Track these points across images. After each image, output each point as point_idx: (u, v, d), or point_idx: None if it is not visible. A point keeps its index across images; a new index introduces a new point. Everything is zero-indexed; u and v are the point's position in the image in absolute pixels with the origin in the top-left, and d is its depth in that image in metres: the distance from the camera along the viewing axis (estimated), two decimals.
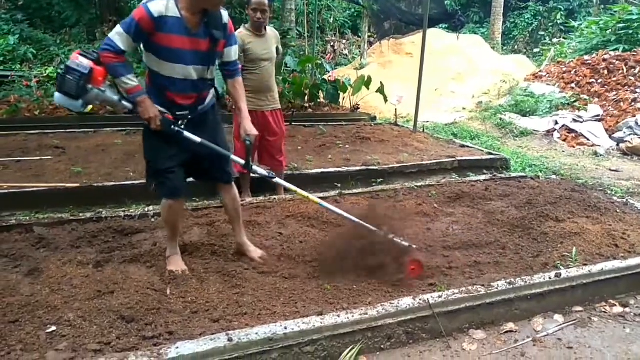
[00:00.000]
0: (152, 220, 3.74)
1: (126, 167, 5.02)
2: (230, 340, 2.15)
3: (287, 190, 4.57)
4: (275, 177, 3.06)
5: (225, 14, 2.75)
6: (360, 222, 3.00)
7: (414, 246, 3.07)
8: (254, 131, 2.91)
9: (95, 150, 5.71)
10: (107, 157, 5.38)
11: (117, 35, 2.51)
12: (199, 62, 2.69)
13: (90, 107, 2.79)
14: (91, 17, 15.65)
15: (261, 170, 3.02)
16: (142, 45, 2.64)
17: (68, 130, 6.69)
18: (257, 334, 2.21)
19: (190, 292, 2.69)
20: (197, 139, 2.75)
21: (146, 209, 3.90)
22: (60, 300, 2.54)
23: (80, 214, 3.78)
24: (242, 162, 2.86)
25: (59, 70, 2.68)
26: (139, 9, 2.51)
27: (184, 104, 2.76)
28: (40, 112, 7.52)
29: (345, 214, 3.06)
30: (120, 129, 6.91)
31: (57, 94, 2.61)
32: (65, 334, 2.27)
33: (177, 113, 2.75)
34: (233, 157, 2.90)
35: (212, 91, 2.93)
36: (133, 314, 2.43)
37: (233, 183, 3.10)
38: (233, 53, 2.86)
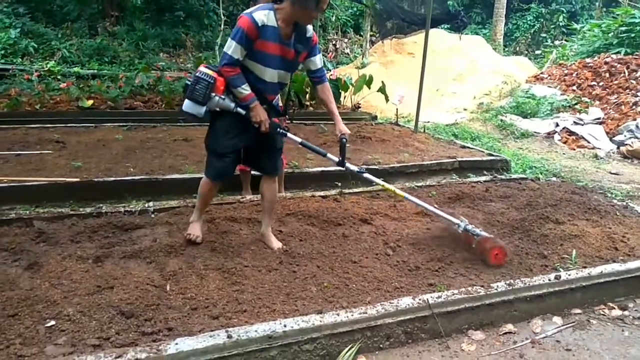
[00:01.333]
0: (152, 216, 3.74)
1: (126, 162, 5.01)
2: (229, 337, 2.15)
3: (287, 188, 4.60)
4: (365, 172, 3.38)
5: (310, 29, 3.06)
6: (444, 214, 3.39)
7: (492, 235, 3.28)
8: (347, 130, 3.20)
9: (95, 145, 5.70)
10: (107, 152, 5.37)
11: (232, 48, 2.85)
12: (284, 67, 3.04)
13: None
14: (93, 12, 15.65)
15: (353, 167, 3.34)
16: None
17: (68, 125, 6.68)
18: (256, 331, 2.21)
19: (189, 288, 2.69)
20: (299, 139, 3.19)
21: (146, 205, 3.90)
22: (60, 294, 2.54)
23: (80, 209, 3.78)
24: (337, 159, 3.20)
25: (186, 81, 3.02)
26: (245, 19, 2.82)
27: (264, 102, 3.05)
28: (40, 106, 7.50)
29: (429, 207, 3.44)
30: (121, 124, 6.90)
31: (186, 101, 2.96)
32: (64, 328, 2.27)
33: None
34: (329, 155, 3.23)
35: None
36: (132, 310, 2.43)
37: (276, 177, 3.40)
38: (318, 61, 3.17)
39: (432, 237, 3.56)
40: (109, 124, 6.87)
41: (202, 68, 2.97)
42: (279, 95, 3.26)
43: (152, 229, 3.51)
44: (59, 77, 9.34)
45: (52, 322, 2.31)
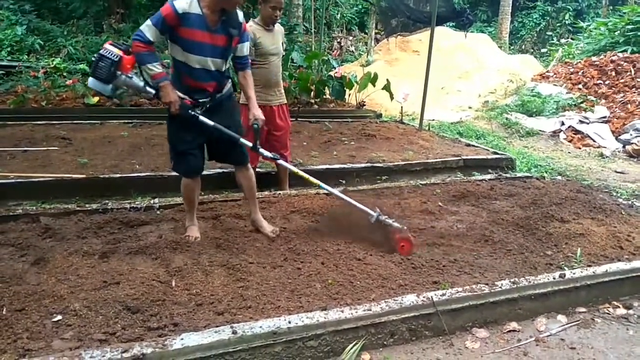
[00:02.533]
0: (158, 212, 3.76)
1: (132, 159, 5.03)
2: (234, 332, 2.17)
3: (291, 185, 4.62)
4: (279, 159, 3.41)
5: (240, 14, 3.06)
6: (357, 203, 3.35)
7: (405, 227, 3.27)
8: (261, 116, 3.24)
9: (101, 141, 5.73)
10: (113, 149, 5.40)
11: (147, 28, 2.84)
12: (216, 55, 3.01)
13: (118, 92, 3.14)
14: (98, 9, 15.67)
15: (267, 153, 3.33)
16: (167, 38, 2.95)
17: (74, 122, 6.71)
18: (261, 327, 2.22)
19: (195, 284, 2.70)
20: (210, 123, 3.06)
21: (152, 201, 3.92)
22: (66, 289, 2.56)
23: (87, 205, 3.80)
24: (250, 144, 3.19)
25: (92, 58, 3.02)
26: (166, 5, 2.83)
27: (203, 91, 3.08)
28: (47, 103, 7.53)
29: (342, 195, 3.41)
30: (126, 121, 6.93)
31: (90, 79, 2.96)
32: (70, 323, 2.29)
33: (198, 100, 3.07)
34: (242, 140, 3.18)
35: (229, 82, 3.27)
36: (138, 305, 2.45)
37: (249, 164, 3.41)
38: (245, 49, 3.19)
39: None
40: (114, 121, 6.90)
41: (107, 45, 2.93)
42: (228, 84, 3.24)
43: (157, 225, 3.53)
44: (64, 74, 9.35)
45: (59, 317, 2.33)
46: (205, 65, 3.00)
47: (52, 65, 9.95)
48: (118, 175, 4.43)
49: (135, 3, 15.69)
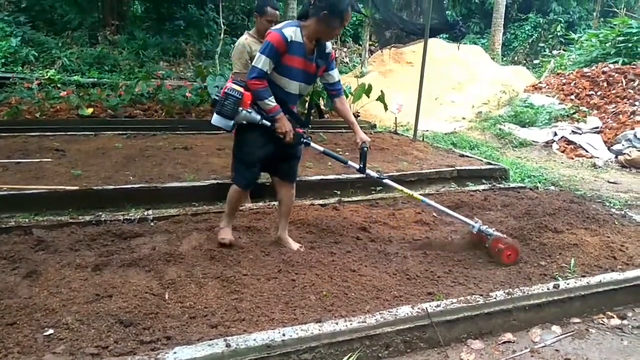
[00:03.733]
0: (152, 224, 3.74)
1: (126, 170, 5.01)
2: (228, 346, 2.15)
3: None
4: (385, 178, 3.55)
5: (329, 45, 3.22)
6: (458, 215, 3.55)
7: (505, 236, 3.41)
8: (367, 139, 3.33)
9: (95, 153, 5.71)
10: (107, 161, 5.38)
11: (260, 62, 2.98)
12: (306, 80, 3.20)
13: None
14: (93, 21, 15.74)
15: (373, 173, 3.46)
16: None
17: (68, 133, 6.68)
18: (255, 340, 2.21)
19: (188, 297, 2.69)
20: (321, 148, 3.35)
21: (145, 213, 3.90)
22: (58, 303, 2.54)
23: (80, 217, 3.78)
24: (357, 166, 3.34)
25: (215, 96, 3.17)
26: (275, 34, 2.98)
27: (290, 114, 3.20)
28: (40, 115, 7.51)
29: (445, 209, 3.59)
30: (120, 132, 6.91)
31: (216, 116, 3.10)
32: (62, 337, 2.27)
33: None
34: (350, 162, 3.38)
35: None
36: (131, 318, 2.43)
37: (294, 184, 3.52)
38: (336, 75, 3.32)
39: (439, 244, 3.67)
40: (108, 132, 6.88)
41: (230, 84, 3.10)
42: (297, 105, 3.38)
43: (151, 237, 3.51)
44: (59, 85, 9.36)
45: (51, 331, 2.30)
46: (295, 89, 3.17)
47: (46, 77, 9.96)
48: (112, 187, 4.41)
49: (130, 15, 15.76)
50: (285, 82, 3.11)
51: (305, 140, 3.24)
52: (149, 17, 16.31)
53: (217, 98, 3.10)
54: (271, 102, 3.04)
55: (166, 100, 8.34)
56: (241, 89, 3.05)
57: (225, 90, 3.05)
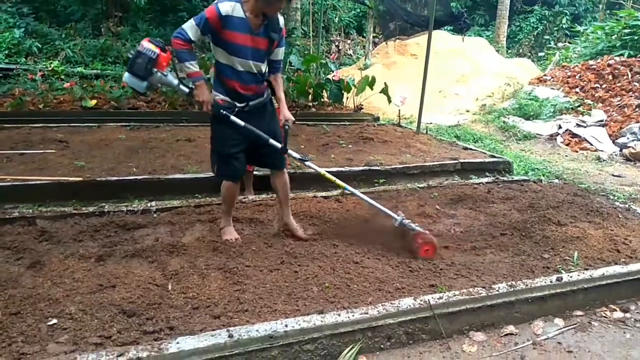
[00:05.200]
0: (155, 215, 3.75)
1: (129, 162, 5.02)
2: (230, 336, 2.16)
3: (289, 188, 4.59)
4: (308, 160, 3.41)
5: (281, 19, 3.13)
6: (380, 206, 3.40)
7: (427, 231, 3.32)
8: (292, 117, 3.27)
9: (98, 144, 5.72)
10: (110, 152, 5.39)
11: (189, 26, 2.90)
12: (258, 58, 3.07)
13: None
14: (96, 12, 15.69)
15: (295, 154, 3.34)
16: (211, 41, 3.03)
17: (72, 124, 6.70)
18: (257, 331, 2.21)
19: (191, 287, 2.70)
20: (241, 123, 3.08)
21: (149, 204, 3.91)
22: (62, 293, 2.55)
23: (83, 208, 3.79)
24: (279, 145, 3.20)
25: (129, 54, 3.13)
26: (210, 7, 2.90)
27: (244, 94, 3.11)
28: (44, 106, 7.52)
29: (367, 199, 3.44)
30: (124, 124, 6.92)
31: (126, 74, 2.98)
32: (66, 326, 2.28)
33: (238, 103, 3.12)
34: (271, 141, 3.18)
35: (267, 86, 3.29)
36: (134, 309, 2.44)
37: (285, 169, 3.44)
38: (280, 53, 3.24)
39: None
40: (112, 124, 6.89)
41: (144, 42, 2.98)
42: (267, 88, 3.27)
43: (154, 228, 3.52)
44: (62, 77, 9.36)
45: (54, 321, 2.32)
46: (247, 68, 3.04)
47: (49, 68, 9.95)
48: (115, 178, 4.42)
49: (133, 6, 15.70)
50: (235, 61, 3.00)
51: (225, 112, 3.05)
52: (153, 9, 16.23)
53: (130, 56, 2.99)
54: (193, 66, 2.94)
55: (169, 92, 8.33)
56: (157, 49, 2.95)
57: (138, 49, 2.94)
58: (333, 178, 3.42)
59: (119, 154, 5.34)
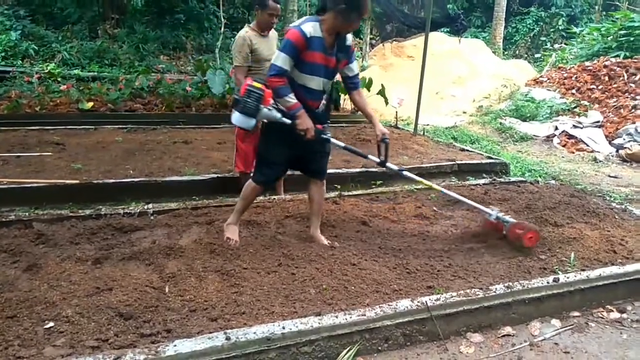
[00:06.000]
0: (152, 218, 3.74)
1: (126, 164, 5.02)
2: (228, 339, 2.15)
3: (286, 190, 4.60)
4: (404, 171, 3.52)
5: (349, 38, 3.20)
6: (476, 204, 3.58)
7: (524, 221, 3.49)
8: (386, 131, 3.28)
9: (95, 147, 5.71)
10: (107, 154, 5.38)
11: (280, 59, 2.95)
12: (327, 75, 3.15)
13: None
14: (93, 15, 15.69)
15: (393, 166, 3.43)
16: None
17: (68, 127, 6.69)
18: (255, 333, 2.21)
19: (188, 290, 2.69)
20: (342, 144, 3.29)
21: (145, 207, 3.90)
22: (59, 296, 2.55)
23: (80, 211, 3.78)
24: (377, 160, 3.32)
25: (235, 95, 3.43)
26: (294, 31, 2.96)
27: (312, 110, 3.15)
28: (40, 108, 7.50)
29: (463, 199, 3.64)
30: (121, 126, 6.91)
31: (237, 115, 3.10)
32: (63, 330, 2.27)
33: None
34: (370, 156, 3.35)
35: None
36: (131, 311, 2.43)
37: (324, 181, 3.49)
38: (355, 68, 3.30)
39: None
40: (108, 126, 6.88)
41: (250, 82, 3.09)
42: (322, 101, 3.31)
43: (151, 231, 3.52)
44: (59, 79, 9.33)
45: (51, 324, 2.31)
46: (317, 85, 3.12)
47: (46, 71, 9.94)
48: (112, 181, 4.41)
49: (130, 8, 15.69)
50: (307, 79, 3.07)
51: (325, 137, 3.19)
52: (149, 11, 16.24)
53: (237, 97, 3.08)
54: (291, 99, 2.99)
55: (166, 94, 8.33)
56: (262, 86, 3.04)
57: (247, 88, 3.03)
58: (429, 183, 3.67)
59: (116, 156, 5.33)
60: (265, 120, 3.14)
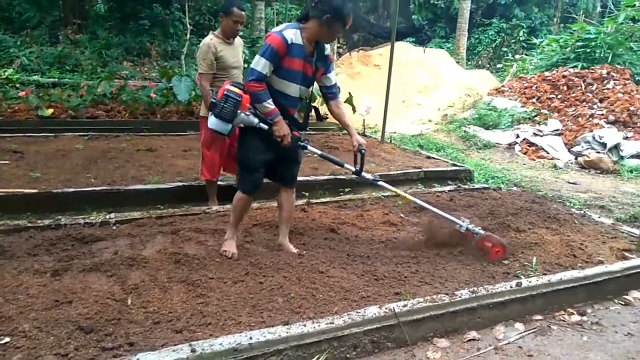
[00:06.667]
0: (114, 227, 3.64)
1: (87, 172, 4.88)
2: (193, 351, 2.11)
3: (254, 198, 4.55)
4: (379, 181, 3.53)
5: (328, 47, 3.22)
6: (446, 214, 3.55)
7: (492, 234, 3.49)
8: (363, 141, 3.31)
9: (55, 155, 5.53)
10: (67, 163, 5.22)
11: (260, 64, 2.95)
12: (305, 83, 3.17)
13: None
14: (54, 19, 15.27)
15: (368, 176, 3.49)
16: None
17: (27, 134, 6.46)
18: (221, 344, 2.17)
19: (152, 301, 2.62)
20: (319, 152, 3.33)
21: (107, 217, 3.80)
22: (15, 310, 2.44)
23: (38, 221, 3.64)
24: (353, 169, 3.34)
25: (212, 100, 3.12)
26: (275, 37, 2.96)
27: (289, 117, 3.17)
28: None
29: (435, 209, 3.60)
30: (82, 133, 6.72)
31: (213, 119, 3.07)
32: (19, 345, 2.18)
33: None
34: (346, 165, 3.36)
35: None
36: (92, 325, 2.36)
37: (294, 189, 3.49)
38: (333, 78, 3.33)
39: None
40: (69, 134, 6.68)
41: (228, 86, 3.07)
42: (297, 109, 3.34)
43: (113, 241, 3.42)
44: (17, 85, 9.04)
45: (7, 339, 2.21)
46: (295, 92, 3.14)
47: (4, 76, 9.60)
48: (72, 190, 4.28)
49: (92, 14, 15.36)
50: (285, 85, 3.09)
51: (302, 144, 3.21)
52: (113, 16, 15.93)
53: (214, 101, 3.06)
54: (269, 104, 3.00)
55: (130, 101, 8.15)
56: (240, 92, 3.03)
57: (225, 93, 3.02)
58: (403, 193, 3.63)
59: (77, 164, 5.18)
60: (241, 125, 3.12)
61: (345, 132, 8.53)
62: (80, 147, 5.96)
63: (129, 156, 5.65)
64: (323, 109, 9.15)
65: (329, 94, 3.34)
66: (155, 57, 15.33)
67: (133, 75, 12.64)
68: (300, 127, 3.31)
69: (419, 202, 3.66)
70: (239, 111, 3.03)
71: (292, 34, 2.97)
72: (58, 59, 13.18)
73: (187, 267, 3.06)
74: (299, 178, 5.06)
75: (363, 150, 3.28)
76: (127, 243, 3.38)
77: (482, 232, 3.47)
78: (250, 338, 2.23)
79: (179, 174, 5.00)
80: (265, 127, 3.08)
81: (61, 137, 6.51)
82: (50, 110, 7.46)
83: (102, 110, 7.97)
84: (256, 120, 3.07)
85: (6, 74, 10.03)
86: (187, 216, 3.95)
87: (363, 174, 3.36)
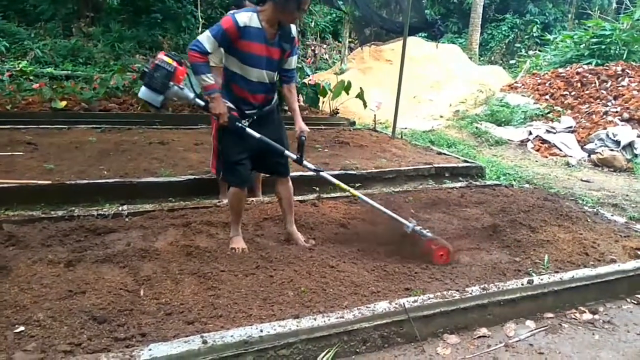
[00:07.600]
0: (126, 219, 3.67)
1: (100, 165, 4.92)
2: (204, 342, 2.12)
3: (264, 192, 4.58)
4: (322, 171, 3.44)
5: (293, 29, 3.14)
6: (393, 214, 3.39)
7: (439, 237, 3.34)
8: (306, 128, 3.26)
9: (68, 147, 5.59)
10: (80, 155, 5.27)
11: (205, 38, 2.88)
12: (271, 67, 3.10)
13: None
14: (67, 12, 15.37)
15: (310, 165, 3.35)
16: (225, 49, 3.01)
17: (41, 126, 6.53)
18: (232, 336, 2.19)
19: (164, 293, 2.65)
20: (257, 135, 3.10)
21: (120, 208, 3.83)
22: (30, 299, 2.48)
23: (52, 212, 3.69)
24: (295, 156, 3.22)
25: (144, 68, 3.03)
26: (227, 18, 2.91)
27: (253, 103, 3.14)
28: (12, 107, 7.31)
29: (381, 207, 3.43)
30: (95, 126, 6.78)
31: (142, 88, 2.95)
32: (34, 334, 2.21)
33: (247, 111, 3.13)
34: (287, 152, 3.23)
35: (276, 94, 3.31)
36: (105, 315, 2.38)
37: (289, 177, 3.44)
38: (293, 62, 3.26)
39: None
40: (82, 126, 6.75)
41: (161, 56, 2.96)
42: (275, 96, 3.29)
43: (126, 233, 3.45)
44: (31, 77, 9.13)
45: (22, 328, 2.24)
46: (260, 78, 3.07)
47: (18, 68, 9.71)
48: (85, 181, 4.32)
49: (105, 7, 15.43)
50: (248, 70, 3.02)
51: (240, 125, 3.06)
52: (125, 10, 15.98)
53: (146, 70, 2.95)
54: (208, 79, 2.91)
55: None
56: (174, 63, 2.93)
57: (156, 62, 2.92)
58: (347, 187, 3.47)
59: (90, 156, 5.22)
60: (175, 99, 3.05)
61: (357, 127, 8.56)
62: (93, 139, 6.01)
63: (141, 149, 5.69)
64: (333, 104, 9.14)
65: (285, 76, 3.27)
66: (167, 51, 15.37)
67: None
68: (265, 115, 3.21)
69: (364, 198, 3.50)
70: (171, 83, 2.92)
71: (247, 18, 2.92)
72: (71, 52, 13.29)
73: (198, 259, 3.08)
74: (309, 173, 5.11)
75: (303, 138, 3.21)
76: (139, 235, 3.41)
77: (429, 234, 3.32)
78: (261, 331, 2.24)
79: (191, 167, 5.03)
80: (202, 103, 3.00)
81: (74, 129, 6.58)
82: (64, 103, 7.53)
83: (114, 103, 8.03)
84: (192, 95, 3.00)
85: (20, 66, 10.14)
86: (199, 209, 3.97)
87: (305, 162, 3.26)
